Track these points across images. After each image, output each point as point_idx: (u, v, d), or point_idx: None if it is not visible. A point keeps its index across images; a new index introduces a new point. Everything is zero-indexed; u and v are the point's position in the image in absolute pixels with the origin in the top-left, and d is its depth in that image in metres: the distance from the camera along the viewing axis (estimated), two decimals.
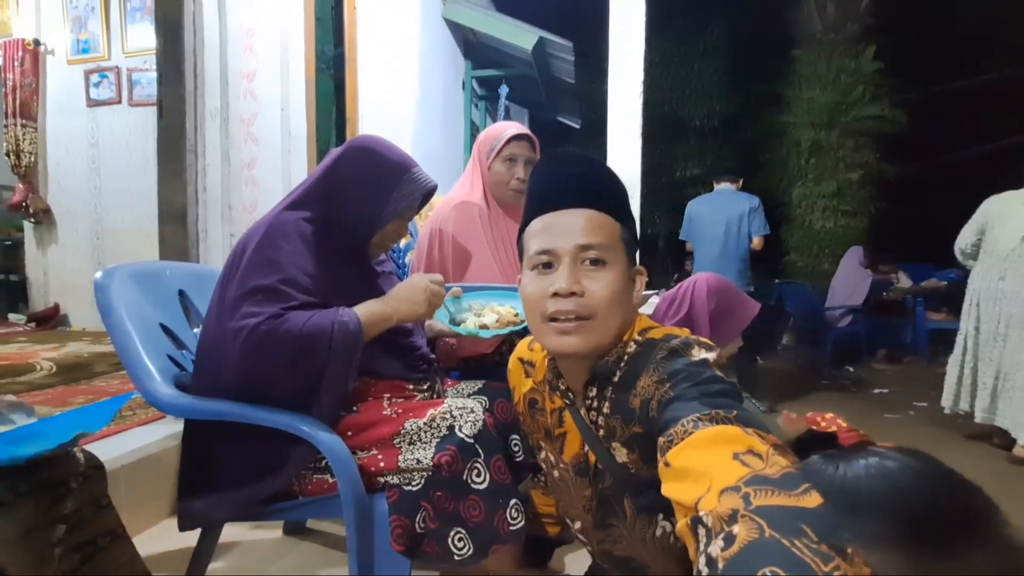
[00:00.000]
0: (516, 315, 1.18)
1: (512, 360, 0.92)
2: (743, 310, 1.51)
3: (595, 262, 0.67)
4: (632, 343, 0.70)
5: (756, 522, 0.38)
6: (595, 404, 0.72)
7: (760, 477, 0.42)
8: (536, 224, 0.70)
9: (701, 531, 0.42)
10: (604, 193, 0.70)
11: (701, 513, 0.43)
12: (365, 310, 0.97)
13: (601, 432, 0.71)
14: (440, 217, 1.41)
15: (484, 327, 1.16)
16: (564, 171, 0.72)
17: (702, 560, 0.40)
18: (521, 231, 0.74)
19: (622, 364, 0.70)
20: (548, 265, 0.68)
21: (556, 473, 0.82)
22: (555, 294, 0.66)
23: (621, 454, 0.69)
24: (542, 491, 1.02)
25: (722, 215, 3.38)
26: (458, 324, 1.18)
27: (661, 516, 0.70)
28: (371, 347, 0.99)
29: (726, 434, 0.48)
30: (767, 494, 0.40)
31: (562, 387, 0.76)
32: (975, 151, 7.44)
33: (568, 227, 0.67)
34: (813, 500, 0.39)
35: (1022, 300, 2.42)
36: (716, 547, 0.39)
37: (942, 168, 7.79)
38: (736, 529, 0.38)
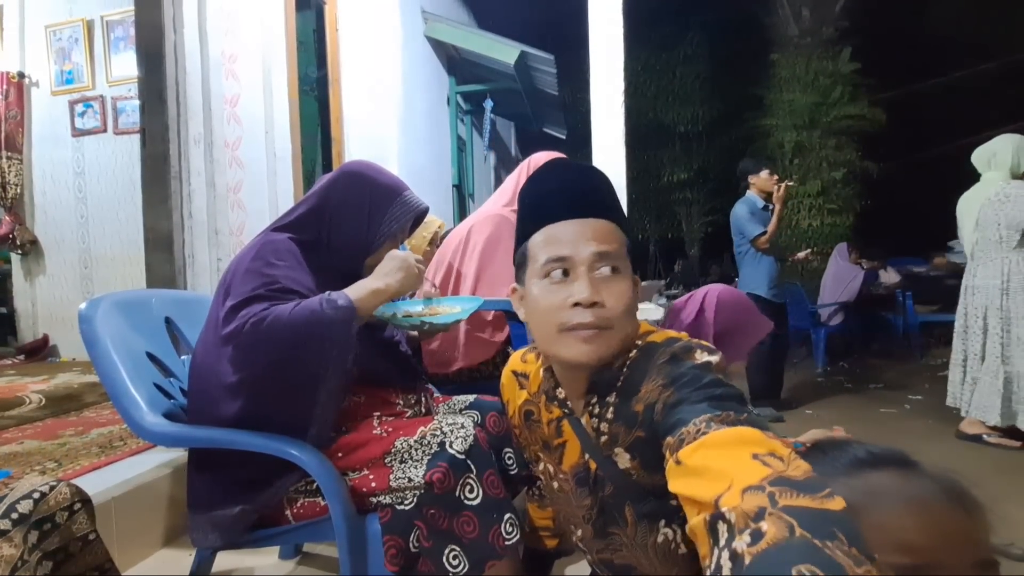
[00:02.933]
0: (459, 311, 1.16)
1: (505, 374, 0.91)
2: (753, 327, 1.42)
3: (612, 270, 0.66)
4: (634, 348, 0.69)
5: (786, 520, 0.37)
6: (596, 411, 0.71)
7: (784, 478, 0.41)
8: (543, 234, 0.68)
9: (722, 526, 0.41)
10: (608, 202, 0.70)
11: (723, 509, 0.42)
12: (355, 289, 0.96)
13: (603, 439, 0.70)
14: (475, 225, 1.48)
15: (408, 315, 1.15)
16: (568, 180, 0.70)
17: (724, 555, 0.39)
18: (520, 241, 0.72)
19: (624, 370, 0.69)
20: (563, 274, 0.66)
21: (555, 484, 0.81)
22: (576, 304, 0.65)
23: (623, 460, 0.69)
24: (538, 504, 1.01)
25: (733, 219, 3.43)
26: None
27: (663, 523, 0.68)
28: (359, 354, 0.98)
29: (744, 436, 0.48)
30: (792, 495, 0.39)
31: (560, 396, 0.75)
32: (954, 145, 7.57)
33: (581, 236, 0.66)
34: (837, 504, 0.39)
35: (993, 291, 2.45)
36: (742, 543, 0.38)
37: (923, 163, 7.92)
38: (764, 526, 0.38)
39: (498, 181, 7.98)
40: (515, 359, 0.89)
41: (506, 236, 1.46)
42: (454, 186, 5.40)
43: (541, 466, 0.85)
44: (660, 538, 0.69)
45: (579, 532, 0.80)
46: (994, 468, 2.25)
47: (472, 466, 0.92)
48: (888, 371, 4.34)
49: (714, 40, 9.02)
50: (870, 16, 6.82)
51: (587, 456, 0.73)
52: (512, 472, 1.11)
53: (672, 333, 0.71)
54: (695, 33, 9.27)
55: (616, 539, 0.73)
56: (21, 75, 3.36)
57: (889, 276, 5.28)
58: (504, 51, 4.55)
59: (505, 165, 8.52)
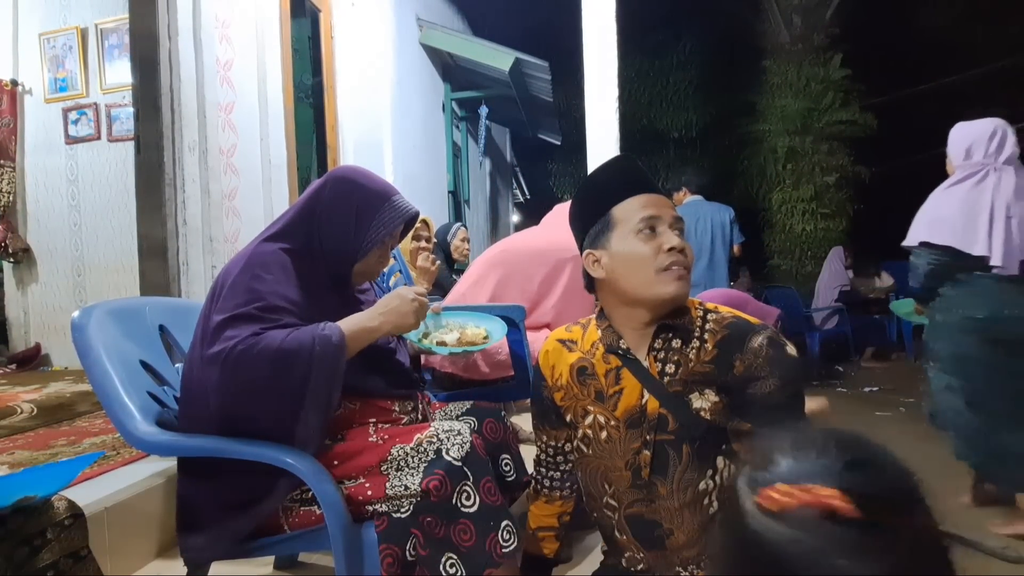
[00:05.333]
0: (485, 338, 1.19)
1: (549, 343, 0.96)
2: (759, 316, 1.52)
3: (681, 231, 0.85)
4: (700, 308, 0.86)
5: None
6: (662, 355, 0.84)
7: None
8: (637, 200, 0.85)
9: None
10: (659, 186, 0.90)
11: None
12: (349, 323, 0.95)
13: (667, 379, 0.83)
14: (564, 257, 1.64)
15: (442, 343, 1.16)
16: (638, 167, 0.90)
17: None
18: (595, 216, 0.88)
19: (698, 323, 0.84)
20: (651, 230, 0.83)
21: (604, 433, 0.87)
22: (671, 248, 0.81)
23: (702, 400, 0.81)
24: (546, 499, 1.01)
25: (706, 225, 3.42)
26: (426, 339, 1.19)
27: (710, 472, 0.81)
28: (354, 364, 0.98)
29: None
30: None
31: (623, 347, 0.86)
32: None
33: (663, 204, 0.85)
34: None
35: None
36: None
37: (914, 167, 8.00)
38: None
39: (493, 187, 8.00)
40: (558, 332, 0.98)
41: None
42: (449, 192, 5.41)
43: (590, 419, 0.89)
44: (701, 486, 0.81)
45: (612, 489, 0.88)
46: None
47: (469, 473, 0.92)
48: (883, 374, 4.36)
49: (707, 47, 9.09)
50: (860, 23, 6.90)
51: (644, 399, 0.84)
52: (509, 479, 1.11)
53: (754, 319, 0.86)
54: (688, 40, 9.34)
55: (653, 490, 0.83)
56: (14, 82, 3.35)
57: (883, 280, 5.31)
58: (499, 58, 4.58)
59: (500, 171, 8.54)
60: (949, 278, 1.85)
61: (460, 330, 1.21)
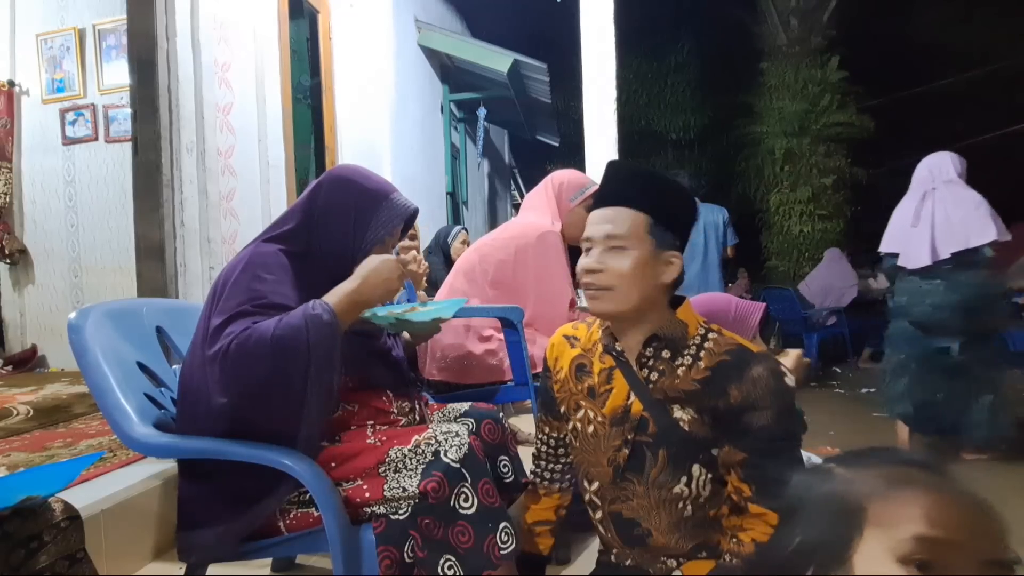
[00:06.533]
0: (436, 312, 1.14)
1: (556, 337, 1.01)
2: (743, 316, 1.48)
3: (616, 247, 0.85)
4: (702, 328, 0.88)
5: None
6: (651, 363, 0.87)
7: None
8: (589, 217, 0.90)
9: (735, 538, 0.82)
10: (630, 193, 0.88)
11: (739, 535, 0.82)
12: (336, 297, 0.94)
13: (652, 387, 0.86)
14: (524, 243, 1.63)
15: (389, 314, 1.14)
16: (606, 178, 0.92)
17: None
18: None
19: (695, 341, 0.86)
20: (589, 249, 0.87)
21: (591, 428, 0.91)
22: (583, 270, 0.87)
23: (682, 413, 0.84)
24: (544, 490, 1.02)
25: (699, 227, 3.45)
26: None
27: (684, 479, 0.84)
28: (352, 365, 0.97)
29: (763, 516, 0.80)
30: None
31: (618, 349, 0.89)
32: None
33: (602, 220, 0.87)
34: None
35: None
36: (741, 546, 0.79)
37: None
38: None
39: (492, 188, 8.00)
40: (566, 327, 1.03)
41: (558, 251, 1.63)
42: (448, 193, 5.41)
43: (581, 413, 0.93)
44: (676, 490, 0.84)
45: (595, 485, 0.91)
46: (983, 471, 2.27)
47: (467, 475, 0.92)
48: (880, 375, 4.36)
49: (705, 49, 9.12)
50: (857, 25, 6.94)
51: (630, 400, 0.87)
52: (508, 480, 1.11)
53: (755, 346, 0.88)
54: (686, 42, 9.37)
55: (631, 488, 0.87)
56: (11, 83, 3.34)
57: (879, 282, 5.33)
58: (497, 59, 4.59)
59: (499, 172, 8.54)
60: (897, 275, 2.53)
61: (412, 307, 1.17)
